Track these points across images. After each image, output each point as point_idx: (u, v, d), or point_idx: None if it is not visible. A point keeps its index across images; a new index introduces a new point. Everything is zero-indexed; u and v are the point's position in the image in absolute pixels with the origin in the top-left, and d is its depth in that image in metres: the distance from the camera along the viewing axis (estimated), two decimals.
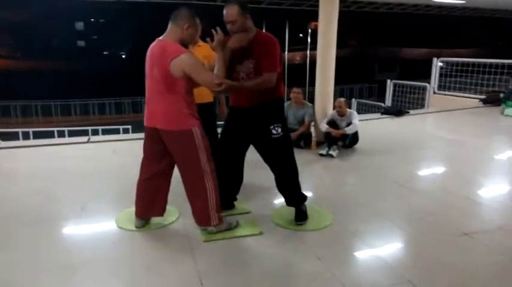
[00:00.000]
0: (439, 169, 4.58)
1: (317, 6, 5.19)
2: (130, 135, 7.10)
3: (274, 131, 2.77)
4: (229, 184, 3.04)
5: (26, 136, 8.29)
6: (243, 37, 2.66)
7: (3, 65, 29.80)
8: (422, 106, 9.01)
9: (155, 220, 3.01)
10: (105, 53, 35.36)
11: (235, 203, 3.25)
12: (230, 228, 2.85)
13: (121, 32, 31.52)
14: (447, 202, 3.47)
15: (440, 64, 9.08)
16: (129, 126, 9.12)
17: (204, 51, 3.42)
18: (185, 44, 2.63)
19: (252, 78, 2.71)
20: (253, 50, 2.68)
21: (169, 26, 2.61)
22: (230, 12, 2.59)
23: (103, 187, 3.86)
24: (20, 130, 8.36)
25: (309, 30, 18.86)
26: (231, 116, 2.96)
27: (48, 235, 2.88)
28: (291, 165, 2.93)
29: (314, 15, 6.02)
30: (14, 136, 8.28)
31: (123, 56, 34.83)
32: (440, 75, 9.02)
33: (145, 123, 2.74)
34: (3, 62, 31.05)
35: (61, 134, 8.48)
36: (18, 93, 17.13)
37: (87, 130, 8.72)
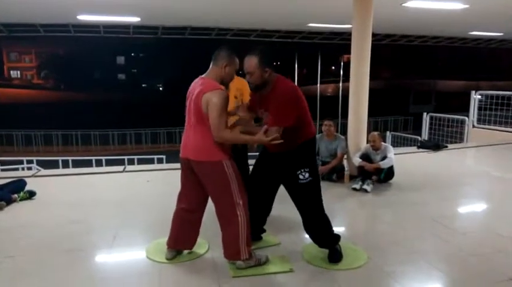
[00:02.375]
0: (481, 207, 4.34)
1: (349, 40, 5.22)
2: (164, 165, 7.23)
3: (301, 177, 2.74)
4: (257, 215, 2.99)
5: (65, 164, 8.61)
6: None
7: (47, 96, 31.66)
8: (460, 140, 8.69)
9: (184, 252, 2.99)
10: (143, 85, 36.88)
11: (264, 235, 3.19)
12: (259, 264, 2.78)
13: (159, 66, 32.93)
14: (491, 243, 3.26)
15: (479, 97, 8.80)
16: (164, 156, 9.30)
17: (237, 83, 3.49)
18: (225, 82, 2.73)
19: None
20: (269, 103, 2.71)
21: (211, 65, 2.73)
22: (249, 63, 2.67)
23: (136, 216, 3.90)
24: (60, 159, 8.69)
25: (342, 63, 18.94)
26: (260, 157, 2.97)
27: (80, 264, 2.91)
28: (317, 210, 2.85)
29: (347, 48, 6.06)
30: (54, 164, 8.61)
31: (160, 89, 36.12)
32: (479, 108, 8.73)
33: (180, 155, 2.79)
34: (48, 93, 33.02)
35: (99, 163, 8.74)
36: (59, 123, 18.00)
37: (124, 159, 8.96)
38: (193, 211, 2.85)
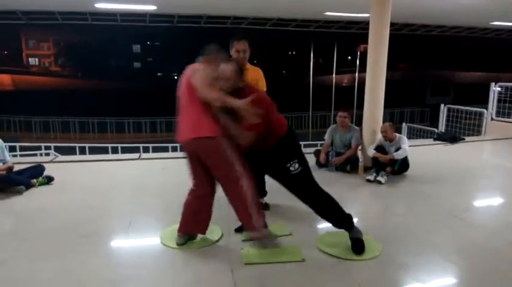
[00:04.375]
0: (498, 200, 4.27)
1: (367, 29, 5.14)
2: (179, 153, 7.28)
3: (292, 168, 2.77)
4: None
5: (82, 151, 8.75)
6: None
7: (64, 84, 32.11)
8: (478, 133, 8.52)
9: (198, 238, 3.03)
10: (158, 74, 37.05)
11: (276, 224, 3.23)
12: (267, 242, 2.89)
13: (174, 55, 32.97)
14: (507, 236, 3.21)
15: (499, 89, 8.59)
16: (178, 145, 9.37)
17: (251, 73, 3.49)
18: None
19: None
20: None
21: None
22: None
23: (151, 202, 3.97)
24: (77, 145, 8.85)
25: (358, 53, 18.67)
26: (250, 152, 2.88)
27: (97, 248, 2.98)
28: (316, 193, 2.87)
29: (363, 38, 5.97)
30: (71, 150, 8.77)
31: (175, 77, 36.24)
32: (499, 100, 8.52)
33: (178, 140, 2.86)
34: (65, 81, 33.48)
35: (115, 150, 8.87)
36: (76, 110, 18.25)
37: (139, 147, 9.05)
38: (201, 194, 2.90)
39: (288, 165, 2.77)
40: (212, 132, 2.69)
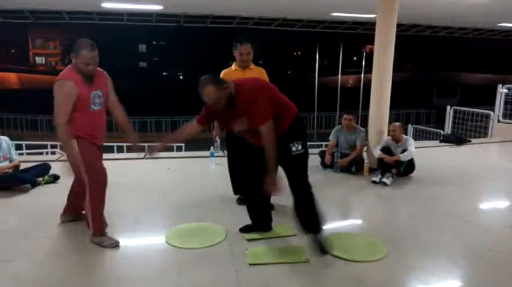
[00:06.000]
0: (504, 203, 4.23)
1: (373, 30, 5.12)
2: (184, 153, 7.30)
3: (294, 148, 2.78)
4: (262, 207, 3.10)
5: None
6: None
7: None
8: (485, 135, 8.47)
9: (203, 238, 3.03)
10: (164, 73, 37.13)
11: (280, 225, 3.23)
12: (101, 244, 2.93)
13: (180, 55, 33.03)
14: None
15: (506, 91, 8.52)
16: (183, 144, 9.38)
17: (254, 73, 3.55)
18: (81, 71, 2.84)
19: (253, 131, 2.70)
20: (241, 109, 2.67)
21: None
22: (209, 94, 2.61)
23: (156, 202, 3.97)
24: None
25: (364, 54, 18.60)
26: (252, 149, 2.88)
27: (98, 246, 2.98)
28: (306, 184, 2.86)
29: (369, 39, 5.95)
30: None
31: (181, 77, 36.32)
32: (506, 102, 8.45)
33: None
34: None
35: (120, 149, 8.89)
36: None
37: (144, 146, 9.05)
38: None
39: (291, 145, 2.77)
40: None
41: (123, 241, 3.08)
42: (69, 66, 2.88)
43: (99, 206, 2.95)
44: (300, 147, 2.78)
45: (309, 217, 2.87)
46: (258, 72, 3.69)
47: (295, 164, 2.83)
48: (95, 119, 2.95)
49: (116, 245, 2.94)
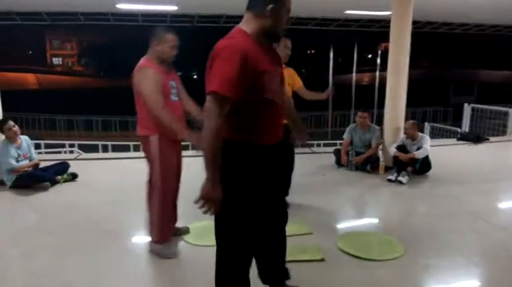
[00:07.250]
0: None
1: (388, 27, 5.07)
2: (199, 151, 7.34)
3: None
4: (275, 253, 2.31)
5: (105, 149, 8.91)
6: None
7: (87, 83, 32.81)
8: (503, 133, 8.30)
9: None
10: (178, 73, 37.31)
11: (297, 222, 3.18)
12: (165, 256, 2.81)
13: (193, 55, 33.18)
14: None
15: None
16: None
17: (286, 72, 3.48)
18: (162, 59, 2.76)
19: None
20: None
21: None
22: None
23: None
24: (100, 143, 9.01)
25: (379, 51, 18.39)
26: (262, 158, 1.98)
27: (119, 243, 3.04)
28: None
29: (384, 36, 5.89)
30: (94, 148, 8.95)
31: (194, 77, 36.49)
32: None
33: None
34: (87, 80, 34.23)
35: (136, 148, 9.01)
36: (99, 109, 18.59)
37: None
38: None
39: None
40: (146, 132, 2.73)
41: (139, 239, 3.11)
42: (144, 57, 2.78)
43: (168, 210, 2.88)
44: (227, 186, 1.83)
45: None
46: (288, 72, 3.61)
47: (293, 157, 2.69)
48: (175, 111, 2.74)
49: (175, 255, 2.84)
